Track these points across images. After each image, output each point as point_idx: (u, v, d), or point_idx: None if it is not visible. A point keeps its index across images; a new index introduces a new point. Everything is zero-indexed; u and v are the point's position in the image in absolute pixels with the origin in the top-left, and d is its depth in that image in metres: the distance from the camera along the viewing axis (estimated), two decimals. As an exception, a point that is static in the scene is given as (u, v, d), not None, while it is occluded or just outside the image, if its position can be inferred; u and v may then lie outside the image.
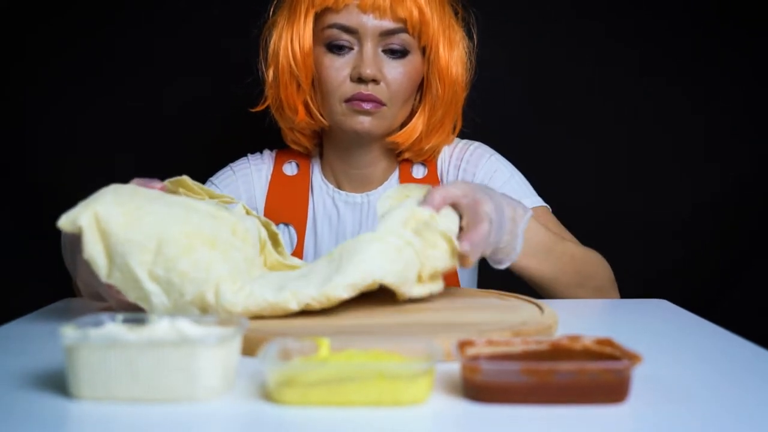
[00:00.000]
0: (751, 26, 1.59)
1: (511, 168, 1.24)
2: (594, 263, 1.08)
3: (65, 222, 0.76)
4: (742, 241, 1.64)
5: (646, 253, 1.63)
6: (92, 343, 0.55)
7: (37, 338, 0.77)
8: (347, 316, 0.79)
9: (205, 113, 1.59)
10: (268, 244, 0.87)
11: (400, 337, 0.69)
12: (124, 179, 1.69)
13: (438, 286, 0.85)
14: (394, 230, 0.81)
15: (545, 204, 1.21)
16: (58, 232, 1.69)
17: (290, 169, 1.27)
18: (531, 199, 1.20)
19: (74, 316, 0.63)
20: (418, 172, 1.25)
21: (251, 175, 1.26)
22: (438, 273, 0.84)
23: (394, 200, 0.88)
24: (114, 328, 0.59)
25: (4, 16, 1.56)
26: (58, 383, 0.59)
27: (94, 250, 0.75)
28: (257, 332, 0.70)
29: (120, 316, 0.62)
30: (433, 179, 1.23)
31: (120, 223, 0.75)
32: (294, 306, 0.76)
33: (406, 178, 1.23)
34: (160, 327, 0.58)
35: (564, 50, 1.62)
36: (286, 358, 0.59)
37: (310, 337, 0.61)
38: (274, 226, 0.91)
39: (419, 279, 0.83)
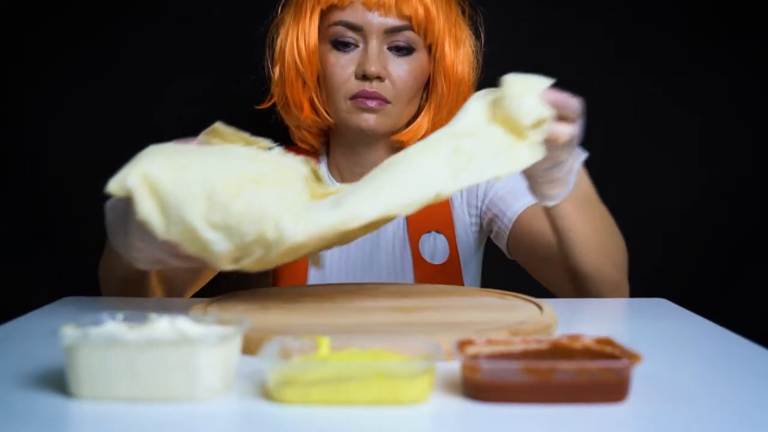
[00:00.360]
0: (750, 26, 1.59)
1: None
2: (620, 238, 1.05)
3: (114, 186, 0.74)
4: (742, 241, 1.64)
5: (646, 252, 1.63)
6: (92, 342, 0.55)
7: (37, 338, 0.77)
8: (347, 315, 0.79)
9: (206, 113, 1.59)
10: (310, 179, 0.85)
11: (400, 336, 0.70)
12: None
13: (536, 152, 0.76)
14: (455, 131, 0.77)
15: None
16: (58, 232, 1.69)
17: None
18: None
19: (74, 316, 0.63)
20: None
21: None
22: (540, 123, 0.76)
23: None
24: (114, 327, 0.59)
25: (4, 16, 1.56)
26: (58, 383, 0.59)
27: (147, 209, 0.73)
28: (257, 331, 0.70)
29: (120, 315, 0.62)
30: None
31: (168, 177, 0.73)
32: (354, 225, 0.73)
33: None
34: (159, 326, 0.58)
35: (564, 50, 1.62)
36: (286, 357, 0.59)
37: (309, 336, 0.61)
38: (313, 163, 0.88)
39: (520, 135, 0.76)
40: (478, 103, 0.80)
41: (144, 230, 0.76)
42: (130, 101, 1.58)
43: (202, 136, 0.87)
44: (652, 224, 1.63)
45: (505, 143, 0.76)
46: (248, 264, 0.75)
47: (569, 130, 0.80)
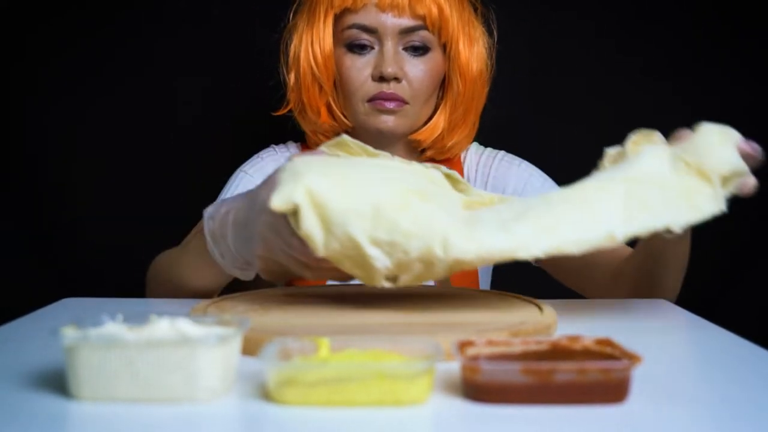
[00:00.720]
0: (751, 27, 1.59)
1: (540, 174, 1.24)
2: None
3: (279, 203, 0.73)
4: (742, 241, 1.64)
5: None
6: (92, 343, 0.55)
7: (37, 338, 0.77)
8: (347, 316, 0.79)
9: (206, 113, 1.59)
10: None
11: (400, 336, 0.69)
12: (126, 179, 1.68)
13: (719, 204, 0.75)
14: (629, 176, 0.76)
15: None
16: (58, 233, 1.69)
17: None
18: None
19: (74, 317, 0.63)
20: None
21: (280, 161, 1.25)
22: (736, 175, 0.76)
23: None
24: (114, 328, 0.59)
25: (5, 16, 1.56)
26: (57, 383, 0.59)
27: (311, 225, 0.73)
28: (257, 332, 0.70)
29: (120, 316, 0.62)
30: None
31: (334, 193, 0.73)
32: (524, 255, 0.73)
33: None
34: (159, 327, 0.58)
35: (564, 51, 1.61)
36: (285, 358, 0.59)
37: (309, 337, 0.61)
38: (444, 168, 0.88)
39: (710, 183, 0.75)
40: (654, 151, 0.80)
41: (272, 241, 0.78)
42: (131, 101, 1.58)
43: (326, 148, 0.86)
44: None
45: (685, 193, 0.76)
46: (404, 280, 0.76)
47: (754, 182, 0.80)
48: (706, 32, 1.61)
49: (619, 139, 1.62)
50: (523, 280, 1.12)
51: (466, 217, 0.77)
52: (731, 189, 0.77)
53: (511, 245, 0.73)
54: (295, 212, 0.74)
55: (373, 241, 0.74)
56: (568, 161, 1.60)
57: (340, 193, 0.73)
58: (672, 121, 1.61)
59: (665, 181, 0.76)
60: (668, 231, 0.74)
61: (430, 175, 0.81)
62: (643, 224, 0.74)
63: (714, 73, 1.61)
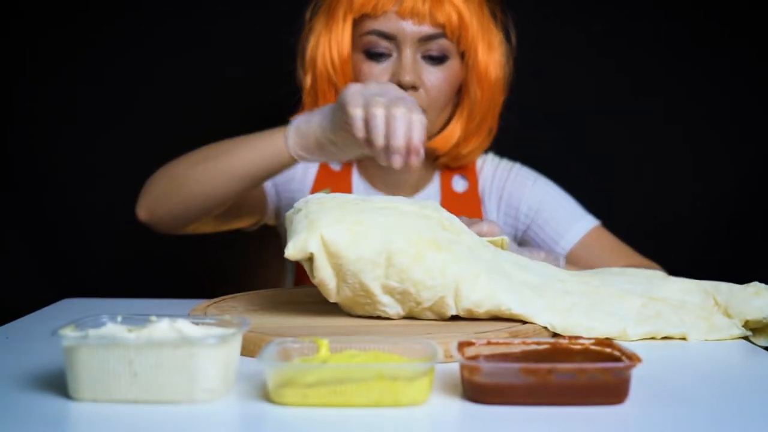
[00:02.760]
0: (745, 33, 1.59)
1: (556, 191, 1.23)
2: None
3: (294, 251, 0.75)
4: (742, 242, 1.64)
5: (647, 255, 1.63)
6: (92, 343, 0.55)
7: (37, 339, 0.77)
8: (347, 317, 0.79)
9: (209, 115, 1.59)
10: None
11: (400, 337, 0.70)
12: (128, 181, 1.68)
13: (735, 332, 0.78)
14: (645, 292, 0.80)
15: (598, 221, 1.21)
16: (59, 233, 1.68)
17: (335, 164, 1.26)
18: (584, 220, 1.20)
19: (74, 317, 0.63)
20: (458, 185, 1.24)
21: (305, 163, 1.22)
22: (761, 323, 0.79)
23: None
24: (113, 328, 0.59)
25: (13, 21, 1.56)
26: (57, 384, 0.59)
27: (324, 274, 0.76)
28: (257, 332, 0.70)
29: (120, 317, 0.62)
30: (473, 194, 1.23)
31: (347, 242, 0.75)
32: (539, 323, 0.75)
33: (446, 190, 1.22)
34: (159, 327, 0.58)
35: (558, 59, 1.61)
36: (285, 359, 0.59)
37: (309, 338, 0.61)
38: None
39: (729, 317, 0.79)
40: (683, 282, 0.83)
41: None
42: (135, 103, 1.58)
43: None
44: (652, 228, 1.63)
45: (703, 317, 0.79)
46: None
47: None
48: (717, 46, 1.60)
49: (618, 140, 1.62)
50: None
51: (487, 263, 0.79)
52: (752, 335, 0.79)
53: (522, 312, 0.76)
54: (310, 259, 0.75)
55: (386, 289, 0.76)
56: (564, 167, 1.61)
57: (352, 242, 0.75)
58: (679, 123, 1.61)
59: (684, 305, 0.79)
60: (683, 338, 0.77)
61: (443, 218, 0.82)
62: (656, 327, 0.77)
63: (715, 74, 1.61)
